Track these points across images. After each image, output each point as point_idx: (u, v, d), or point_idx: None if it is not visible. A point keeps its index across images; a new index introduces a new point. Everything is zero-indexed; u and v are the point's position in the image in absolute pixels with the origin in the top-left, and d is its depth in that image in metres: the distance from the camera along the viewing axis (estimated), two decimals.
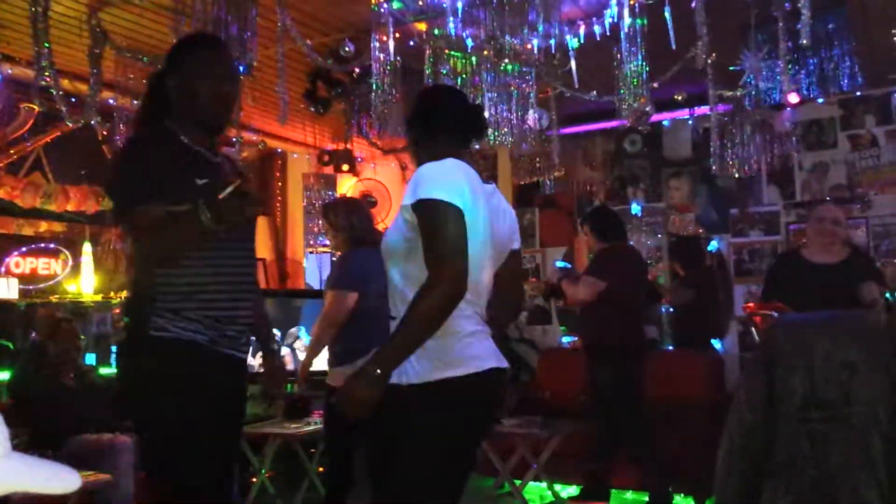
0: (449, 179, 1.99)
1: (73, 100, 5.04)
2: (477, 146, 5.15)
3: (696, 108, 6.12)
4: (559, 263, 7.04)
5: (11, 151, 5.62)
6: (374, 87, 4.56)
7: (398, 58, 4.51)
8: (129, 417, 2.29)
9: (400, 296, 2.05)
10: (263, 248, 7.21)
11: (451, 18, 4.13)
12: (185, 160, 2.21)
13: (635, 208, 6.84)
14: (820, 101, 5.60)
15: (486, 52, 4.52)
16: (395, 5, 4.40)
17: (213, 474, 2.17)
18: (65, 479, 0.40)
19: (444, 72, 4.71)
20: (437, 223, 1.94)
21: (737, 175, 5.58)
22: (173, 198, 2.11)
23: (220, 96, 2.26)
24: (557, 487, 4.94)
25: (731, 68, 4.77)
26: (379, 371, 1.86)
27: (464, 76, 4.73)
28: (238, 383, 2.31)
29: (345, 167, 7.20)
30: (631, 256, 4.88)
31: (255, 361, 3.46)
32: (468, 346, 2.02)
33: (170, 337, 2.12)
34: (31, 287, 5.91)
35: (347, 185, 7.76)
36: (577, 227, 6.98)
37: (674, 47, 4.16)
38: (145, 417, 2.20)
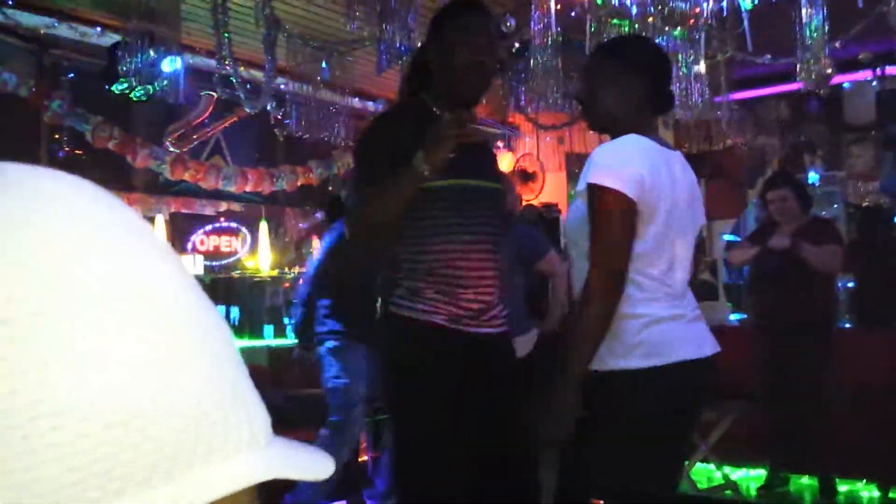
0: (623, 163, 1.88)
1: (249, 86, 5.31)
2: None
3: (881, 68, 5.65)
4: (727, 237, 6.77)
5: (194, 137, 6.01)
6: (533, 61, 4.50)
7: (559, 29, 4.42)
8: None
9: (580, 277, 1.99)
10: None
11: None
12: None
13: (812, 177, 6.41)
14: None
15: (650, 19, 4.36)
16: None
17: (442, 467, 2.04)
18: (322, 466, 0.41)
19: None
20: (600, 215, 1.86)
21: None
22: None
23: (475, 66, 2.14)
24: (727, 470, 4.77)
25: None
26: (567, 393, 1.83)
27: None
28: (485, 363, 2.12)
29: (500, 143, 7.19)
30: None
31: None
32: (651, 334, 1.88)
33: (407, 316, 2.08)
34: (214, 263, 6.33)
35: (505, 160, 7.75)
36: (748, 196, 6.67)
37: (860, 4, 3.85)
38: (385, 398, 2.23)
